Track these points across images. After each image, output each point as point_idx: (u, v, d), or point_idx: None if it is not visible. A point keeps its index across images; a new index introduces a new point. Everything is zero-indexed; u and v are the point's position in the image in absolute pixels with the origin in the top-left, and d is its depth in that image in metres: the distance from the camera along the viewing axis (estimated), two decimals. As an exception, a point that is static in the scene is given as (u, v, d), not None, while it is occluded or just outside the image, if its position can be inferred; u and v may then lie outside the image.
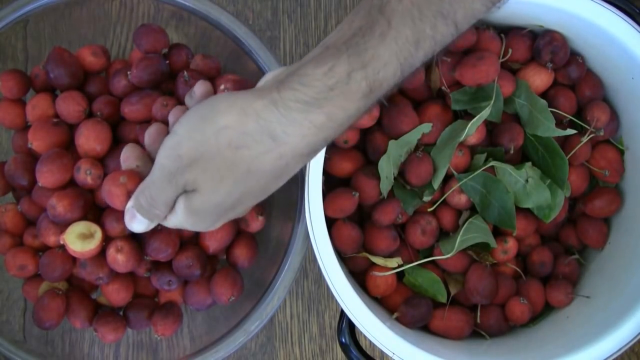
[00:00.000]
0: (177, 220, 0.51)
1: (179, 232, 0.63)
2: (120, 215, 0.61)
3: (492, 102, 0.63)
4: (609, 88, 0.68)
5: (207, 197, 0.48)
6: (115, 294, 0.64)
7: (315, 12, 0.77)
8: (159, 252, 0.61)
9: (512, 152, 0.65)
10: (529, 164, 0.65)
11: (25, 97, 0.66)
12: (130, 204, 0.53)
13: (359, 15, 0.45)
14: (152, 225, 0.53)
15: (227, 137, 0.46)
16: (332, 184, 0.64)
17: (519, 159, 0.67)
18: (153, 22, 0.69)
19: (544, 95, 0.66)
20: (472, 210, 0.66)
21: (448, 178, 0.65)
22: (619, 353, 0.60)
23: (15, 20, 0.62)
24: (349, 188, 0.63)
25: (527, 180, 0.64)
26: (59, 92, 0.65)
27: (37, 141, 0.62)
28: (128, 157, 0.54)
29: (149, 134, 0.54)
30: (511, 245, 0.66)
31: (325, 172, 0.62)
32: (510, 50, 0.65)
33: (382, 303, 0.66)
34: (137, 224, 0.53)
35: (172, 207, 0.50)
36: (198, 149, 0.46)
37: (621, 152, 0.69)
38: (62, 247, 0.61)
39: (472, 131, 0.63)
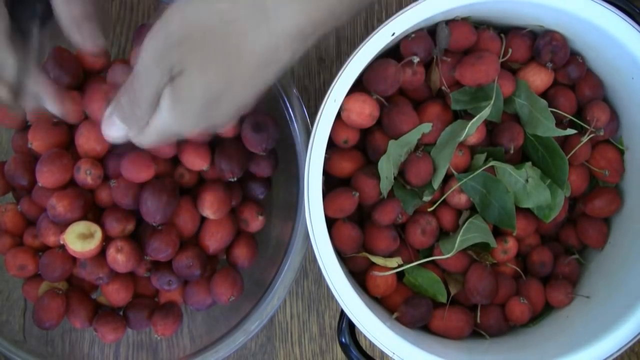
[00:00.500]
0: (162, 118, 0.48)
1: (179, 232, 0.63)
2: (120, 215, 0.61)
3: (492, 102, 0.63)
4: (609, 88, 0.68)
5: (195, 78, 0.46)
6: (115, 294, 0.63)
7: (315, 12, 0.77)
8: (159, 252, 0.61)
9: (512, 152, 0.65)
10: (529, 164, 0.65)
11: (25, 97, 0.66)
12: (109, 110, 0.51)
13: None
14: (130, 135, 0.51)
15: (219, 10, 0.45)
16: (332, 184, 0.64)
17: (519, 159, 0.67)
18: (153, 22, 0.69)
19: (544, 95, 0.66)
20: (472, 210, 0.66)
21: (448, 178, 0.65)
22: (619, 353, 0.60)
23: (15, 20, 0.62)
24: (349, 188, 0.63)
25: (527, 180, 0.64)
26: (59, 92, 0.65)
27: (37, 141, 0.62)
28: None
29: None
30: (511, 245, 0.66)
31: (325, 172, 0.62)
32: (510, 50, 0.65)
33: (382, 303, 0.66)
34: (115, 131, 0.51)
35: (156, 107, 0.48)
36: (189, 24, 0.45)
37: (621, 152, 0.69)
38: (62, 247, 0.61)
39: (472, 131, 0.63)
